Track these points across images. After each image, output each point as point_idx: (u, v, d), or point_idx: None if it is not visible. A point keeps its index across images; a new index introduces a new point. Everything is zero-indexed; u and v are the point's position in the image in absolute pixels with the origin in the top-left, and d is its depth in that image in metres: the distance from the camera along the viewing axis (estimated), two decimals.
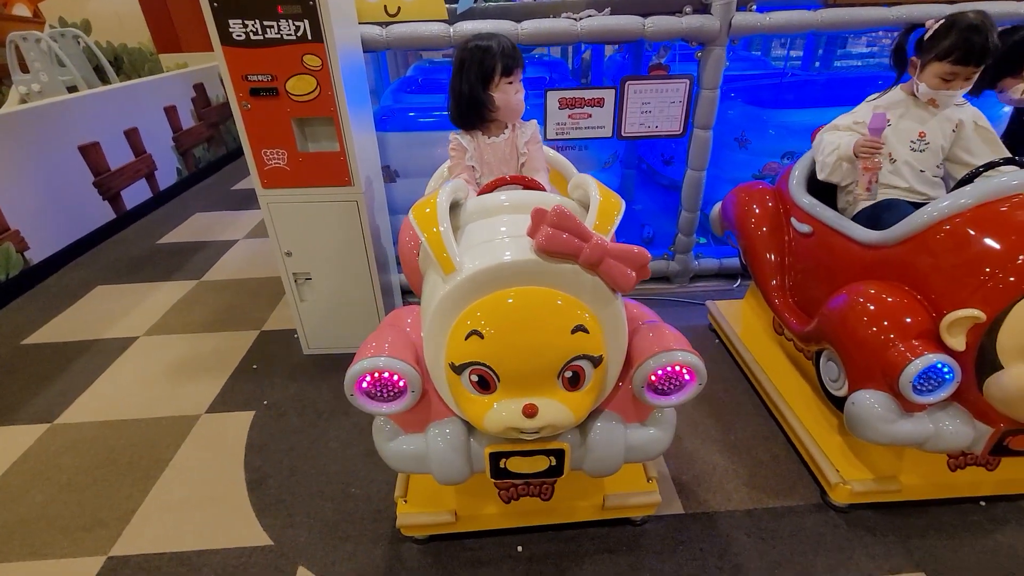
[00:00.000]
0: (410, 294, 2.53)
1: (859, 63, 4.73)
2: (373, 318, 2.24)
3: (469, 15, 2.09)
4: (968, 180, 1.41)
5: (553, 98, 2.21)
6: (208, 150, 5.16)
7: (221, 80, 1.77)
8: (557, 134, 2.28)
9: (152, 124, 4.25)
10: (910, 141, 1.56)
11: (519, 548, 1.49)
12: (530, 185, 1.35)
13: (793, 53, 4.63)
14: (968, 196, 1.28)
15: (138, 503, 1.66)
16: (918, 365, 1.21)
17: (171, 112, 4.52)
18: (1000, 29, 1.47)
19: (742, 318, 2.25)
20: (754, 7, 2.11)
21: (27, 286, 2.98)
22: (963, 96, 1.53)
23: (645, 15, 2.09)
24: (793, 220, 1.79)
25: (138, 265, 3.29)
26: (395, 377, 1.09)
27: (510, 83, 1.41)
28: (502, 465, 1.22)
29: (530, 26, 2.06)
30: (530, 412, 1.03)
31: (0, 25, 5.25)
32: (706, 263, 2.69)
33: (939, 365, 1.20)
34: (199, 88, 5.04)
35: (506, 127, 1.52)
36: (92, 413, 2.05)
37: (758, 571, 1.41)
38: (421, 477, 1.51)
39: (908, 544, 1.45)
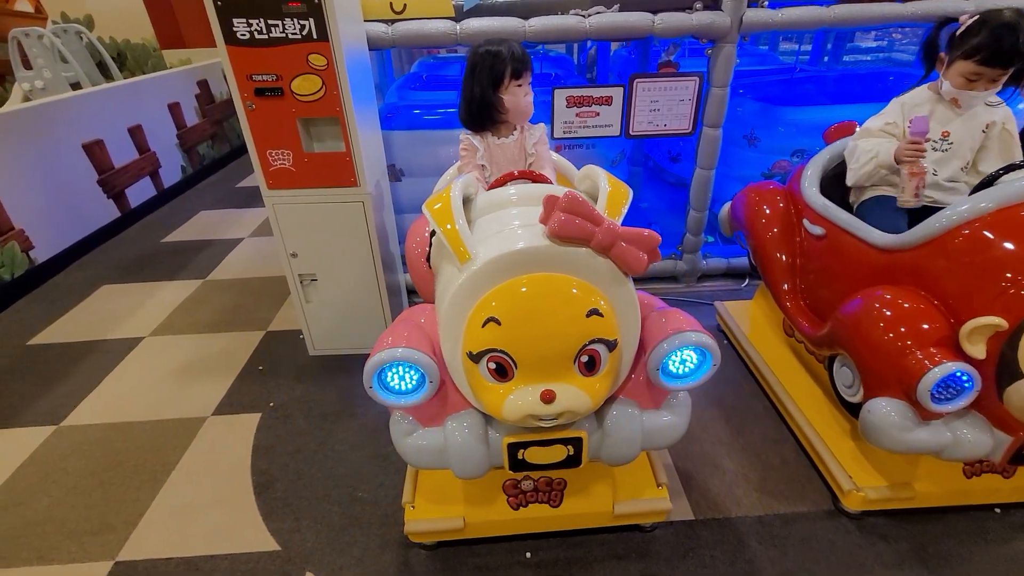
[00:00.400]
0: (416, 295, 2.52)
1: (868, 58, 4.67)
2: (379, 319, 2.22)
3: (476, 12, 2.06)
4: (988, 183, 1.37)
5: (560, 96, 2.18)
6: (212, 147, 5.14)
7: (225, 77, 1.76)
8: (564, 133, 2.25)
9: (156, 121, 4.23)
10: (932, 141, 1.52)
11: (528, 555, 1.47)
12: (538, 179, 1.35)
13: (802, 48, 4.58)
14: (989, 199, 1.25)
15: (145, 506, 1.66)
16: (937, 374, 1.19)
17: (175, 109, 4.50)
18: None
19: (751, 319, 2.23)
20: (765, 3, 2.07)
21: (32, 286, 2.98)
22: (997, 95, 1.49)
23: (655, 11, 2.05)
24: (805, 222, 1.76)
25: (143, 264, 3.28)
26: (411, 370, 1.10)
27: (519, 86, 1.44)
28: (520, 456, 1.22)
29: (537, 23, 2.03)
30: (548, 398, 1.04)
31: (2, 21, 5.24)
32: (714, 263, 2.66)
33: (958, 374, 1.18)
34: (203, 84, 5.02)
35: (515, 129, 1.55)
36: (99, 415, 2.05)
37: None
38: (428, 483, 1.51)
39: (922, 552, 1.43)
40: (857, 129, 1.85)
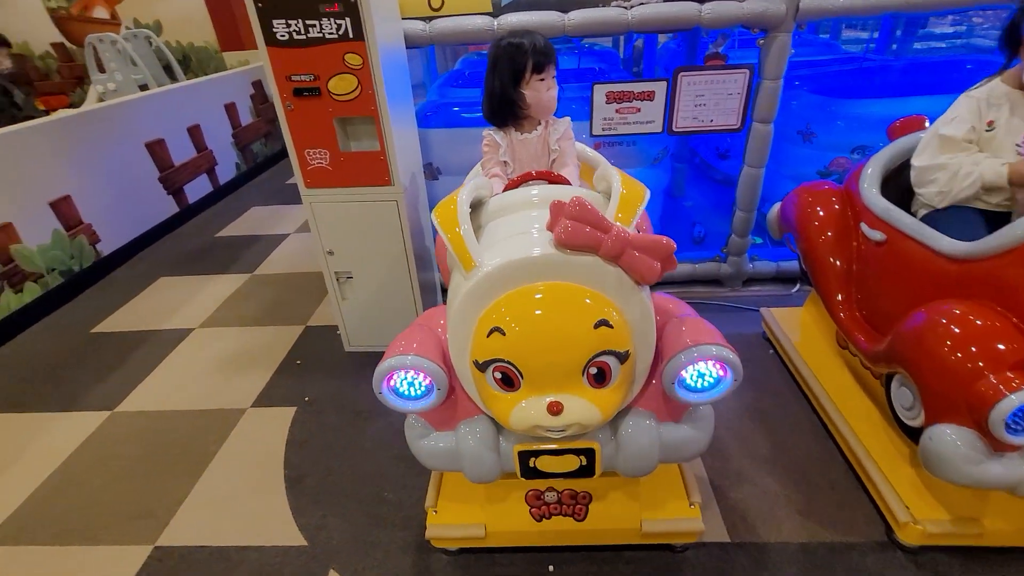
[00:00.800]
0: None
1: (943, 45, 4.29)
2: (413, 317, 2.22)
3: (514, 7, 2.02)
4: None
5: (600, 91, 2.10)
6: (265, 145, 5.34)
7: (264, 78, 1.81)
8: (604, 129, 2.18)
9: (213, 121, 4.43)
10: (1016, 144, 1.35)
11: (551, 567, 1.43)
12: (555, 180, 1.30)
13: (866, 35, 4.25)
14: None
15: (185, 494, 1.73)
16: (1013, 402, 1.06)
17: (231, 109, 4.70)
18: None
19: (801, 328, 2.09)
20: None
21: (98, 277, 3.18)
22: None
23: (702, 1, 1.94)
24: (863, 226, 1.62)
25: (198, 258, 3.44)
26: (421, 375, 1.08)
27: (541, 80, 1.38)
28: (532, 464, 1.19)
29: (577, 16, 1.96)
30: (555, 410, 1.00)
31: (81, 27, 5.63)
32: (761, 266, 2.51)
33: None
34: (257, 85, 5.22)
35: (539, 124, 1.49)
36: (149, 403, 2.16)
37: None
38: (451, 488, 1.49)
39: None
40: (927, 126, 1.69)
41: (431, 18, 2.03)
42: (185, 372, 2.33)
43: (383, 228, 2.03)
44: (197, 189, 4.16)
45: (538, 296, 0.99)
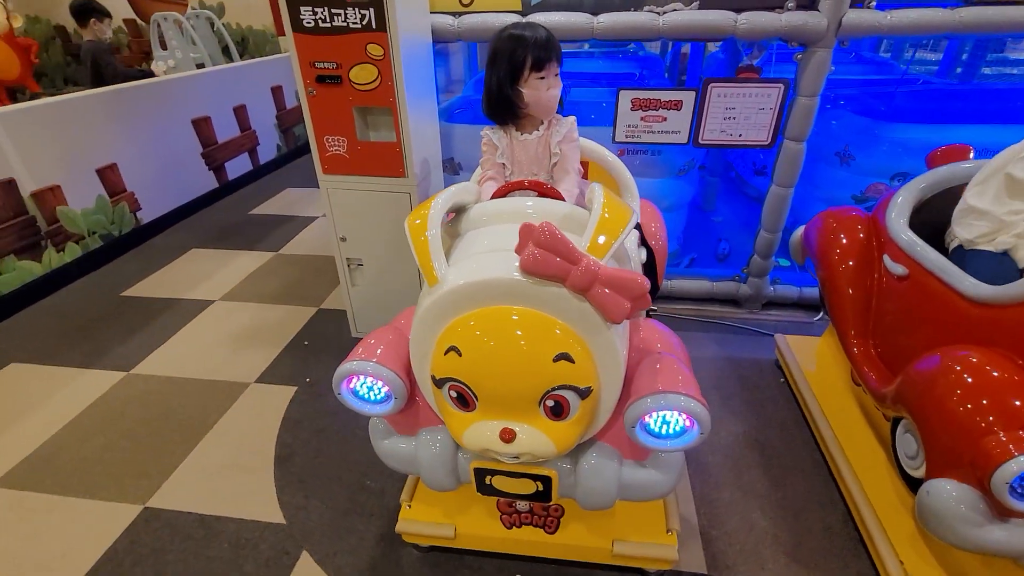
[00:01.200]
0: None
1: (1014, 72, 3.99)
2: None
3: (542, 6, 1.99)
4: None
5: (626, 98, 2.05)
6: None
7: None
8: (627, 137, 2.13)
9: (259, 102, 4.58)
10: None
11: None
12: (546, 193, 1.25)
13: (932, 56, 4.00)
14: None
15: (180, 461, 1.79)
16: (1022, 464, 0.97)
17: (277, 92, 4.84)
18: None
19: (817, 359, 1.98)
20: (873, 3, 1.81)
21: (135, 243, 3.34)
22: None
23: (739, 10, 1.86)
24: (886, 258, 1.52)
25: (229, 233, 3.57)
26: (380, 382, 1.07)
27: (541, 78, 1.30)
28: (488, 481, 1.17)
29: (607, 19, 1.92)
30: (507, 437, 0.97)
31: (151, 5, 5.93)
32: (783, 290, 2.40)
33: None
34: None
35: (541, 123, 1.41)
36: (162, 368, 2.25)
37: None
38: None
39: None
40: (971, 156, 1.57)
41: (460, 13, 2.03)
42: (200, 342, 2.41)
43: (395, 219, 2.04)
44: (237, 167, 4.31)
45: (497, 320, 0.94)
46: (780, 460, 1.73)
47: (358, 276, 2.23)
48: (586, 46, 4.32)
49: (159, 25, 4.93)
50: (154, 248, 3.34)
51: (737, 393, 2.00)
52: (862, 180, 2.30)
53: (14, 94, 4.29)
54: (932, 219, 1.52)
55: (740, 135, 2.06)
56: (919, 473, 1.21)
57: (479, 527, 1.38)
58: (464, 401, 0.99)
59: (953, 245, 1.42)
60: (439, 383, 0.99)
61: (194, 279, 2.96)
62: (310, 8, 1.69)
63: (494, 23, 1.99)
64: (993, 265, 1.29)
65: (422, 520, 1.40)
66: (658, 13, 1.90)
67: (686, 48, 4.12)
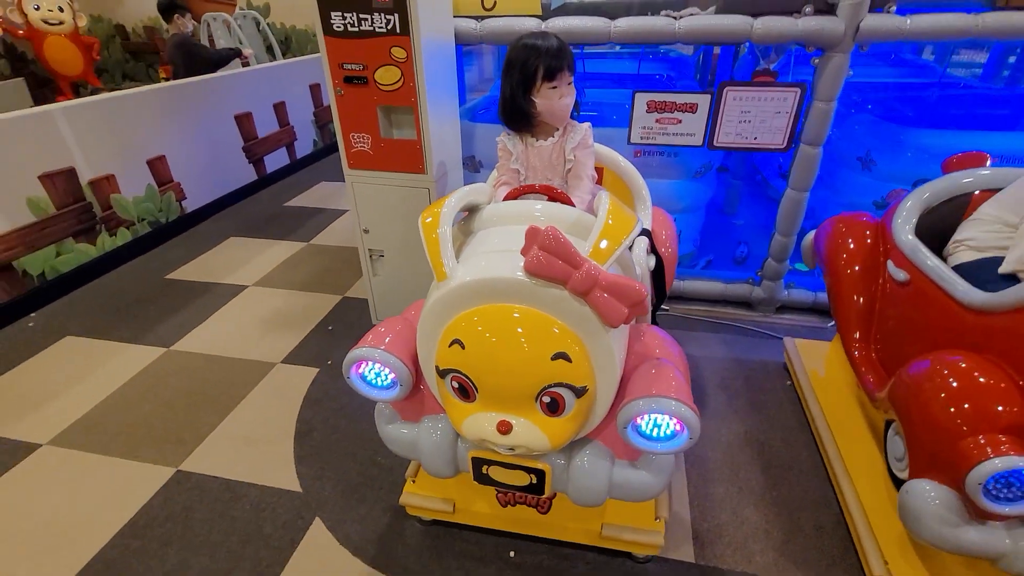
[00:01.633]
0: None
1: None
2: None
3: (563, 11, 2.05)
4: None
5: (641, 100, 2.09)
6: None
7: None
8: (642, 139, 2.17)
9: (297, 99, 4.78)
10: None
11: (512, 553, 1.49)
12: (556, 197, 1.31)
13: (981, 59, 3.84)
14: None
15: (211, 429, 1.94)
16: (996, 465, 0.99)
17: (315, 89, 5.05)
18: None
19: (825, 363, 1.98)
20: (893, 8, 1.80)
21: (180, 230, 3.57)
22: None
23: (756, 15, 1.88)
24: (889, 263, 1.53)
25: (266, 223, 3.76)
26: (387, 369, 1.14)
27: (553, 87, 1.34)
28: (484, 471, 1.23)
29: (624, 23, 1.97)
30: (503, 429, 1.03)
31: (203, 5, 6.25)
32: (798, 294, 2.40)
33: None
34: None
35: (556, 130, 1.46)
36: (199, 345, 2.42)
37: None
38: None
39: None
40: (988, 164, 1.56)
41: (482, 17, 2.11)
42: (234, 323, 2.58)
43: (415, 213, 2.11)
44: (276, 160, 4.52)
45: (500, 317, 1.00)
46: (779, 460, 1.76)
47: (379, 266, 2.34)
48: (617, 47, 4.35)
49: (209, 25, 5.21)
50: (196, 235, 3.57)
51: (742, 393, 2.02)
52: (883, 186, 2.28)
53: (77, 88, 4.62)
54: (939, 226, 1.52)
55: (755, 138, 2.07)
56: (905, 475, 1.23)
57: (476, 504, 1.46)
58: (465, 392, 1.05)
59: (966, 257, 1.40)
60: (442, 373, 1.05)
61: (231, 265, 3.15)
62: (340, 13, 1.80)
63: (515, 27, 2.07)
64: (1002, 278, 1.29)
65: (424, 494, 1.50)
66: (674, 18, 1.94)
67: (717, 49, 4.09)
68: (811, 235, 1.92)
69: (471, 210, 1.30)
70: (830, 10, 1.84)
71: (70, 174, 2.83)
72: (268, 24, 5.53)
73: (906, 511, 1.14)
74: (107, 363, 2.31)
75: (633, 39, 2.00)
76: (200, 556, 1.50)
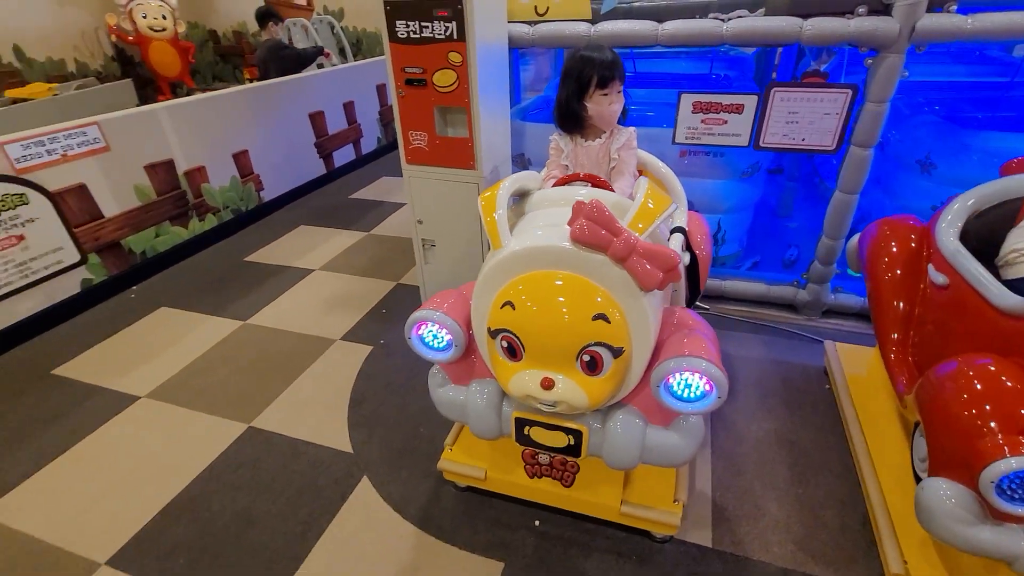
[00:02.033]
0: None
1: None
2: None
3: (612, 15, 2.13)
4: None
5: (687, 101, 2.14)
6: None
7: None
8: (687, 138, 2.21)
9: (365, 99, 5.09)
10: None
11: (537, 523, 1.61)
12: (600, 185, 1.42)
13: None
14: None
15: (278, 393, 2.18)
16: (1011, 464, 1.00)
17: (381, 89, 5.34)
18: None
19: (866, 368, 1.96)
20: (953, 7, 1.75)
21: (257, 218, 3.92)
22: None
23: (806, 16, 1.89)
24: (930, 267, 1.51)
25: (332, 213, 4.06)
26: (444, 331, 1.29)
27: (604, 95, 1.50)
28: (526, 432, 1.35)
29: (671, 26, 2.02)
30: (546, 385, 1.14)
31: (284, 11, 6.73)
32: (845, 299, 2.35)
33: None
34: None
35: (603, 132, 1.59)
36: (270, 321, 2.69)
37: None
38: (467, 434, 1.73)
39: None
40: None
41: (535, 22, 2.23)
42: (300, 303, 2.85)
43: (464, 206, 2.29)
44: (343, 156, 4.84)
45: (548, 281, 1.13)
46: (808, 460, 1.77)
47: (431, 255, 2.52)
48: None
49: (289, 29, 5.64)
50: (271, 223, 3.91)
51: (777, 393, 2.03)
52: (943, 191, 2.17)
53: (174, 88, 5.15)
54: (988, 231, 1.49)
55: (803, 139, 2.07)
56: (926, 476, 1.24)
57: (505, 473, 1.59)
58: (513, 352, 1.18)
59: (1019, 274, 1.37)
60: (493, 334, 1.19)
61: (300, 250, 3.44)
62: (404, 22, 1.98)
63: (565, 31, 2.17)
64: None
65: (460, 462, 1.64)
66: (722, 20, 1.97)
67: (777, 53, 3.99)
68: (856, 238, 1.90)
69: (522, 195, 1.43)
70: (885, 10, 1.81)
71: (169, 165, 3.20)
72: (341, 27, 5.89)
73: (921, 508, 1.16)
74: (193, 332, 2.62)
75: (680, 42, 2.05)
76: (264, 501, 1.72)
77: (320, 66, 4.99)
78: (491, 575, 1.47)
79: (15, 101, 4.10)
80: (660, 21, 2.05)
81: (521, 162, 2.65)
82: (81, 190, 2.75)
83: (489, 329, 1.20)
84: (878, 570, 1.42)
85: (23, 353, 2.51)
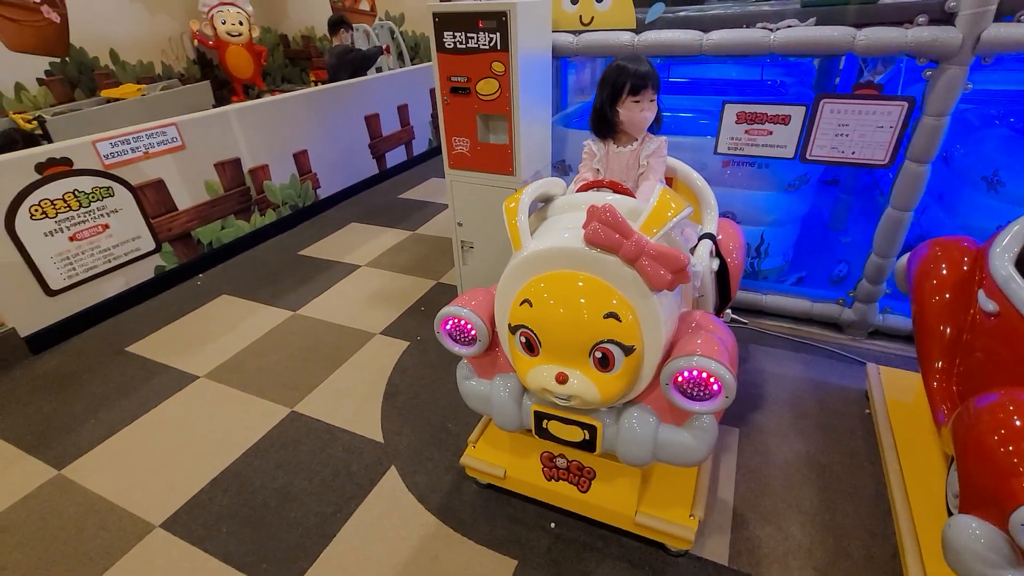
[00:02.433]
0: None
1: None
2: None
3: (657, 24, 2.13)
4: None
5: (731, 111, 2.10)
6: None
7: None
8: (729, 149, 2.18)
9: (418, 102, 5.25)
10: None
11: (552, 525, 1.64)
12: (620, 191, 1.45)
13: None
14: None
15: (320, 381, 2.32)
16: None
17: (434, 94, 5.45)
18: None
19: (912, 395, 1.86)
20: None
21: (313, 214, 4.15)
22: None
23: (859, 26, 1.82)
24: (980, 292, 1.43)
25: (381, 212, 4.23)
26: (469, 326, 1.37)
27: (636, 102, 1.54)
28: (544, 425, 1.41)
29: (717, 36, 2.00)
30: (560, 379, 1.20)
31: (349, 16, 7.06)
32: (893, 320, 2.24)
33: None
34: None
35: (635, 139, 1.62)
36: (318, 312, 2.86)
37: None
38: (491, 433, 1.78)
39: None
40: None
41: (580, 32, 2.25)
42: (346, 296, 3.00)
43: (502, 211, 2.35)
44: (395, 157, 5.03)
45: (563, 280, 1.19)
46: (839, 485, 1.71)
47: (469, 256, 2.60)
48: None
49: (351, 34, 5.90)
50: (325, 219, 4.12)
51: (812, 414, 1.97)
52: (1012, 210, 2.02)
53: (247, 89, 5.51)
54: None
55: (853, 152, 1.99)
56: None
57: (524, 474, 1.63)
58: (530, 347, 1.24)
59: None
60: (513, 329, 1.25)
61: (350, 247, 3.62)
62: (451, 33, 2.06)
63: (610, 40, 2.19)
64: None
65: (481, 460, 1.70)
66: (771, 30, 1.93)
67: (840, 62, 3.81)
68: (905, 258, 1.82)
69: (546, 200, 1.48)
70: (947, 19, 1.72)
71: (236, 163, 3.45)
72: (401, 32, 6.10)
73: (948, 546, 1.11)
74: (249, 318, 2.82)
75: (726, 52, 2.02)
76: (300, 479, 1.85)
77: (379, 69, 5.20)
78: (504, 571, 1.52)
79: (109, 100, 4.54)
80: (705, 31, 2.03)
81: (562, 168, 2.68)
82: (159, 184, 3.02)
83: (509, 325, 1.27)
84: None
85: (103, 330, 2.79)
